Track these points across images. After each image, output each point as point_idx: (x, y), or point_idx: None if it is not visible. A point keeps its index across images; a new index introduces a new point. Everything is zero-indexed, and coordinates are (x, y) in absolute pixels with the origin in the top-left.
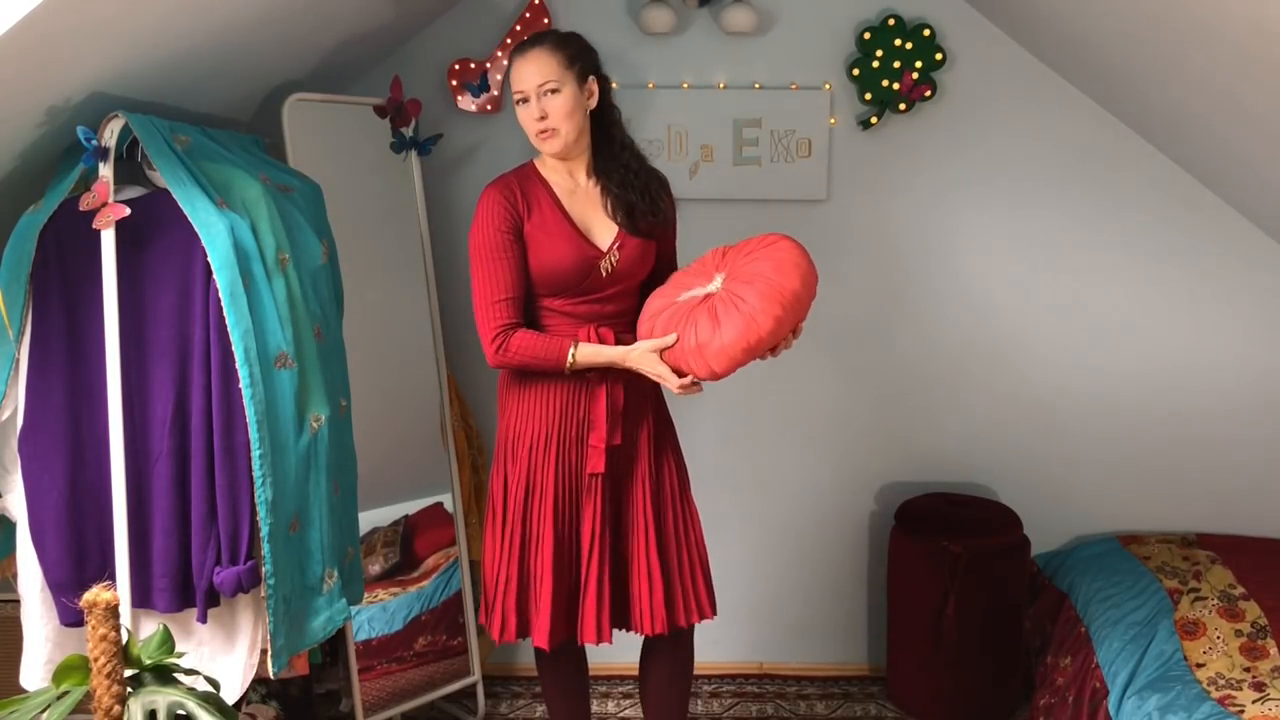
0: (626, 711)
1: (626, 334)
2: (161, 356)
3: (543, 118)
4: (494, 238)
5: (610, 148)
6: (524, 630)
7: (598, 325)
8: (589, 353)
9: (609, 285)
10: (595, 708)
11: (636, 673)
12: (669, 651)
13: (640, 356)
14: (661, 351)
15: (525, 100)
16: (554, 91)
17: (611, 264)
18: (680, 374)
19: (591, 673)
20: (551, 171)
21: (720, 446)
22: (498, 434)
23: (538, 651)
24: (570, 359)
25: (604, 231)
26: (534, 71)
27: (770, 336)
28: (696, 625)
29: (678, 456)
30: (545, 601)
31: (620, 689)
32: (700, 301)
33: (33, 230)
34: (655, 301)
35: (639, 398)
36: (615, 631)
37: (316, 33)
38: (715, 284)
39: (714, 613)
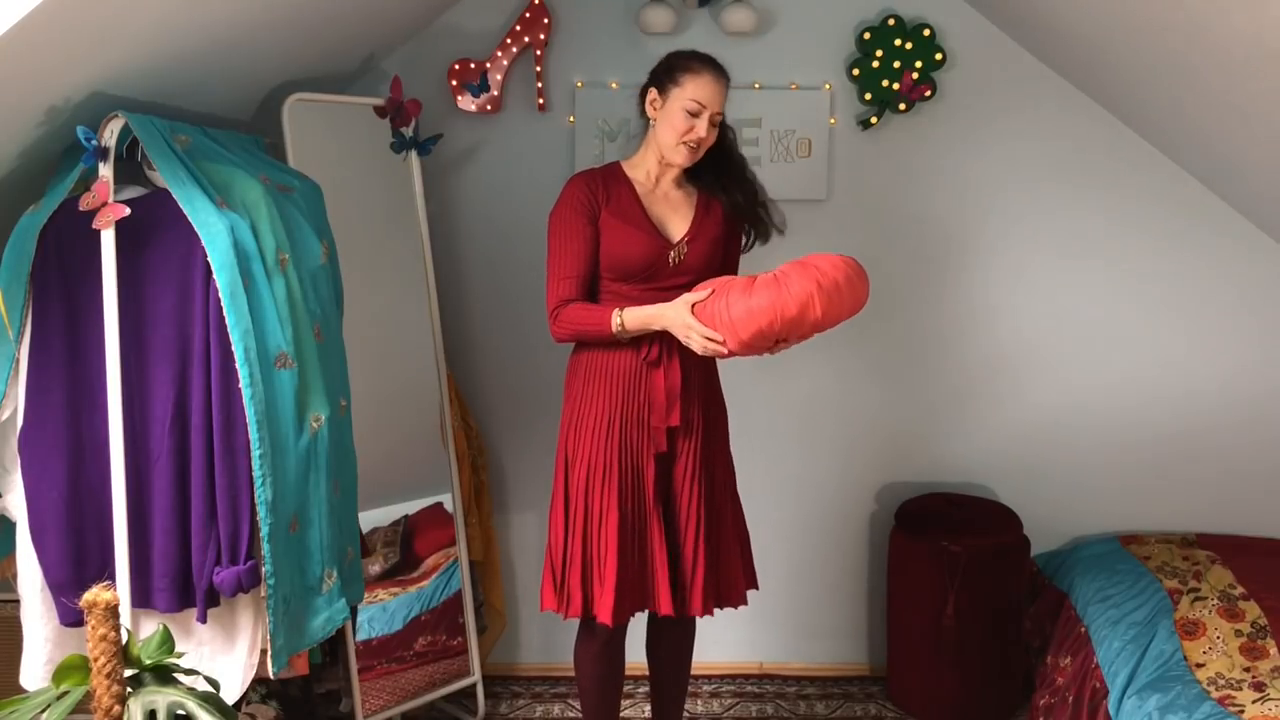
0: (627, 711)
1: None
2: (161, 356)
3: (704, 137)
4: (570, 220)
5: (730, 165)
6: (587, 608)
7: None
8: (632, 316)
9: (675, 276)
10: None
11: (636, 672)
12: (682, 632)
13: (674, 310)
14: (694, 308)
15: (697, 114)
16: (717, 125)
17: (680, 255)
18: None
19: None
20: (639, 171)
21: None
22: (562, 415)
23: (581, 641)
24: (617, 323)
25: (677, 227)
26: (720, 99)
27: (799, 311)
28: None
29: (728, 448)
30: (610, 579)
31: None
32: (746, 278)
33: (33, 230)
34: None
35: (692, 380)
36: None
37: (317, 33)
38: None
39: (754, 583)
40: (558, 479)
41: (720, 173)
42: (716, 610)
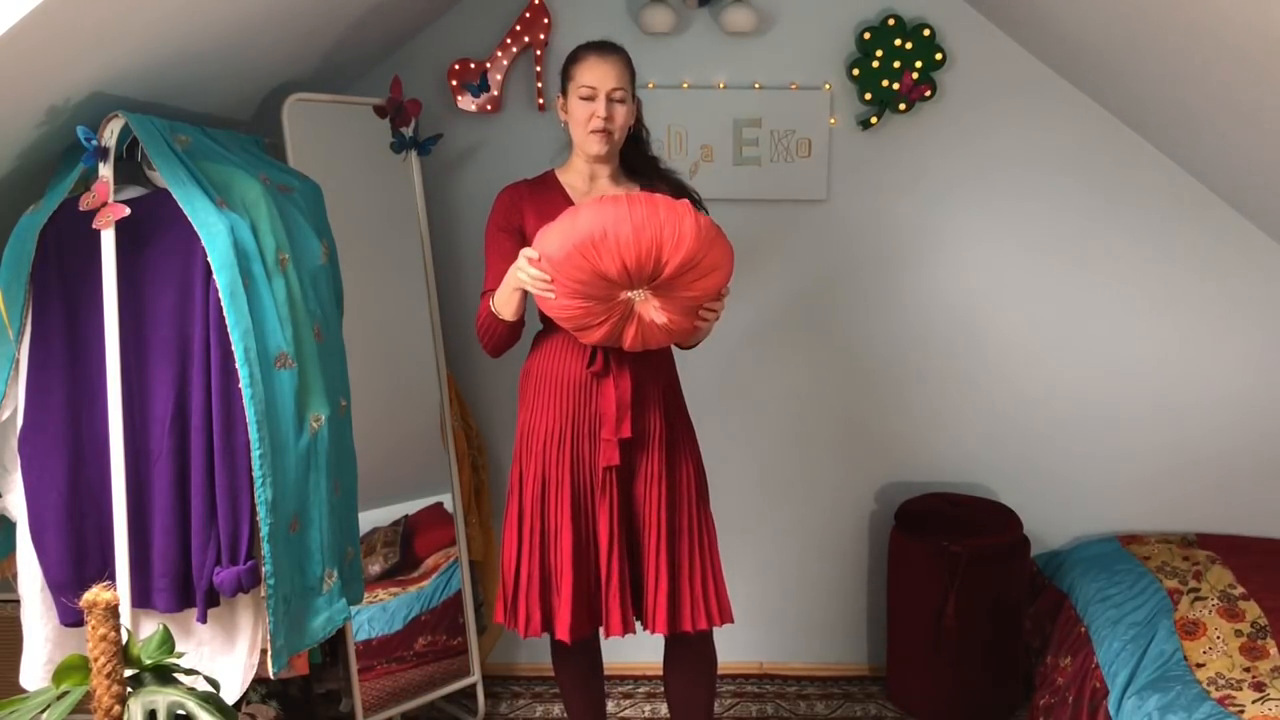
0: (626, 711)
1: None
2: (161, 356)
3: (606, 118)
4: (493, 235)
5: (644, 163)
6: (547, 624)
7: None
8: (500, 294)
9: None
10: None
11: (636, 672)
12: (686, 654)
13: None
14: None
15: (591, 97)
16: (621, 101)
17: None
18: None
19: None
20: (572, 176)
21: (720, 446)
22: (516, 430)
23: (554, 646)
24: (493, 306)
25: None
26: (612, 75)
27: (601, 232)
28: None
29: (697, 462)
30: (566, 595)
31: (620, 689)
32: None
33: (33, 230)
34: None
35: (647, 391)
36: (609, 634)
37: (316, 33)
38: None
39: (724, 620)
40: (512, 493)
41: (645, 164)
42: (723, 623)
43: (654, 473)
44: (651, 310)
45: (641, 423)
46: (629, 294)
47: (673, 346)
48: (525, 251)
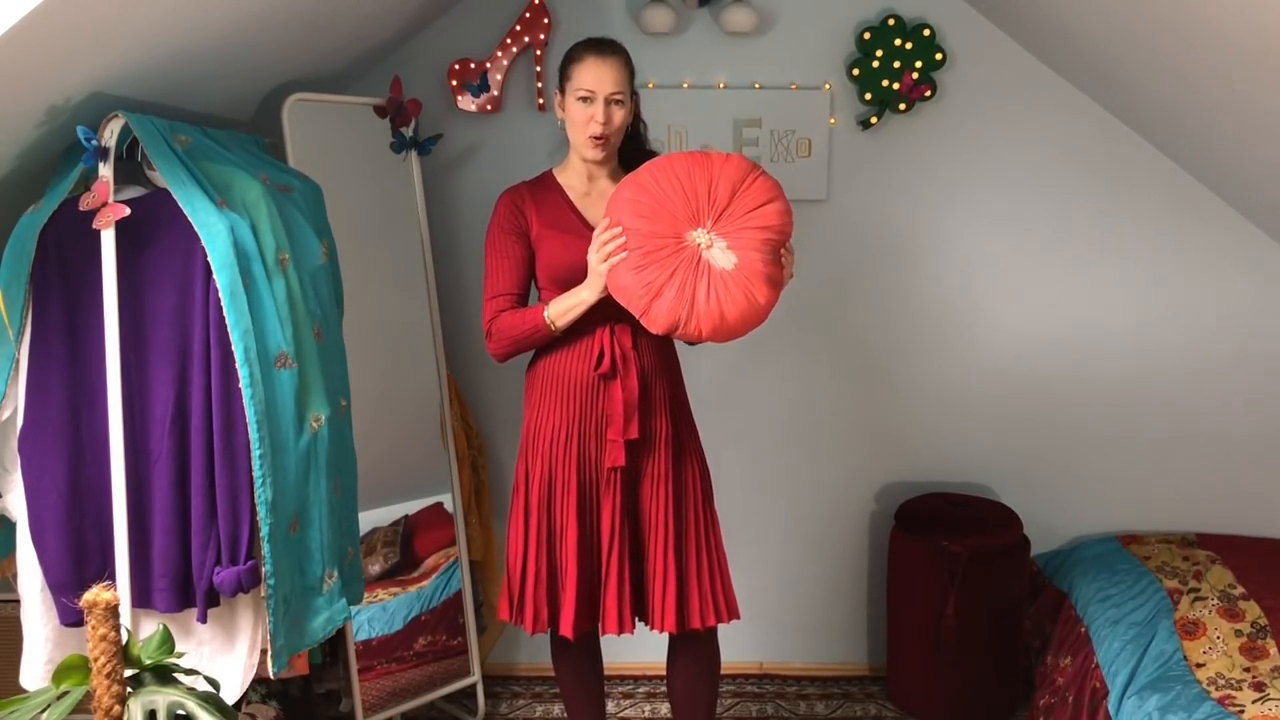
0: (626, 711)
1: (644, 334)
2: (161, 356)
3: (604, 123)
4: (497, 238)
5: (643, 158)
6: (553, 621)
7: (614, 323)
8: (555, 308)
9: None
10: None
11: (636, 672)
12: (690, 652)
13: (587, 281)
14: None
15: (589, 100)
16: (619, 103)
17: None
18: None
19: None
20: (570, 175)
21: (720, 446)
22: (522, 428)
23: (555, 643)
24: (548, 317)
25: None
26: (610, 78)
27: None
28: (712, 627)
29: (702, 462)
30: (570, 592)
31: (620, 689)
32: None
33: (33, 230)
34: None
35: (654, 393)
36: (604, 631)
37: (316, 33)
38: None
39: (731, 616)
40: (517, 491)
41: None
42: (731, 620)
43: (660, 474)
44: (719, 254)
45: (648, 424)
46: (693, 234)
47: (677, 347)
48: (598, 229)
